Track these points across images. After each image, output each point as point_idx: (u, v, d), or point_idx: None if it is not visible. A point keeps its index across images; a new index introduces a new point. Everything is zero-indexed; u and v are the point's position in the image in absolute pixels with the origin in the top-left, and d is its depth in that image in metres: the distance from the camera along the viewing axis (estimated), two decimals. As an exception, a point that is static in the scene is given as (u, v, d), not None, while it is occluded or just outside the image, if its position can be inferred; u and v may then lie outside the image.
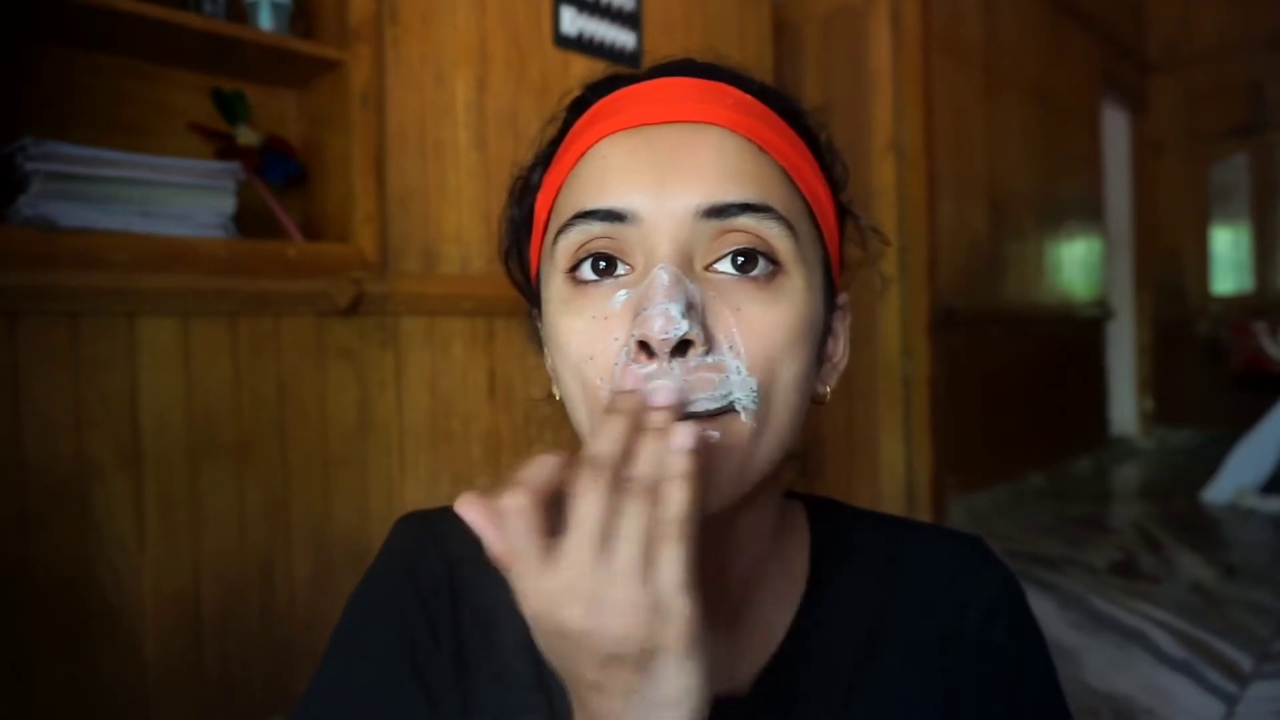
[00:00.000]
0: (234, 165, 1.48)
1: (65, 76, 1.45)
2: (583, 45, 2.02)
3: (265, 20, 1.53)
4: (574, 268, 0.44)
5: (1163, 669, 1.92)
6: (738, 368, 0.41)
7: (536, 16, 1.94)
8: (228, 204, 1.47)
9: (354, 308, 1.60)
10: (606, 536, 0.34)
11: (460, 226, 1.80)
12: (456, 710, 0.49)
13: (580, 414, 0.45)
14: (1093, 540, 3.06)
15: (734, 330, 0.41)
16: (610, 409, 0.37)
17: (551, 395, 0.51)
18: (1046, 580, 2.57)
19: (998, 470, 3.52)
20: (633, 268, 0.43)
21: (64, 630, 1.28)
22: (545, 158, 0.50)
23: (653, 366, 0.40)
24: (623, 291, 0.43)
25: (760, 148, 0.45)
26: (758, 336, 0.42)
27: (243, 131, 1.55)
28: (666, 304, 0.39)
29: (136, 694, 1.34)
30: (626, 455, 0.35)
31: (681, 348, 0.40)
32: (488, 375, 1.83)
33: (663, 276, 0.40)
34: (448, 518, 0.55)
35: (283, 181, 1.64)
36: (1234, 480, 3.56)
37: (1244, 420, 3.83)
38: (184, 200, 1.43)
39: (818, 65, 3.08)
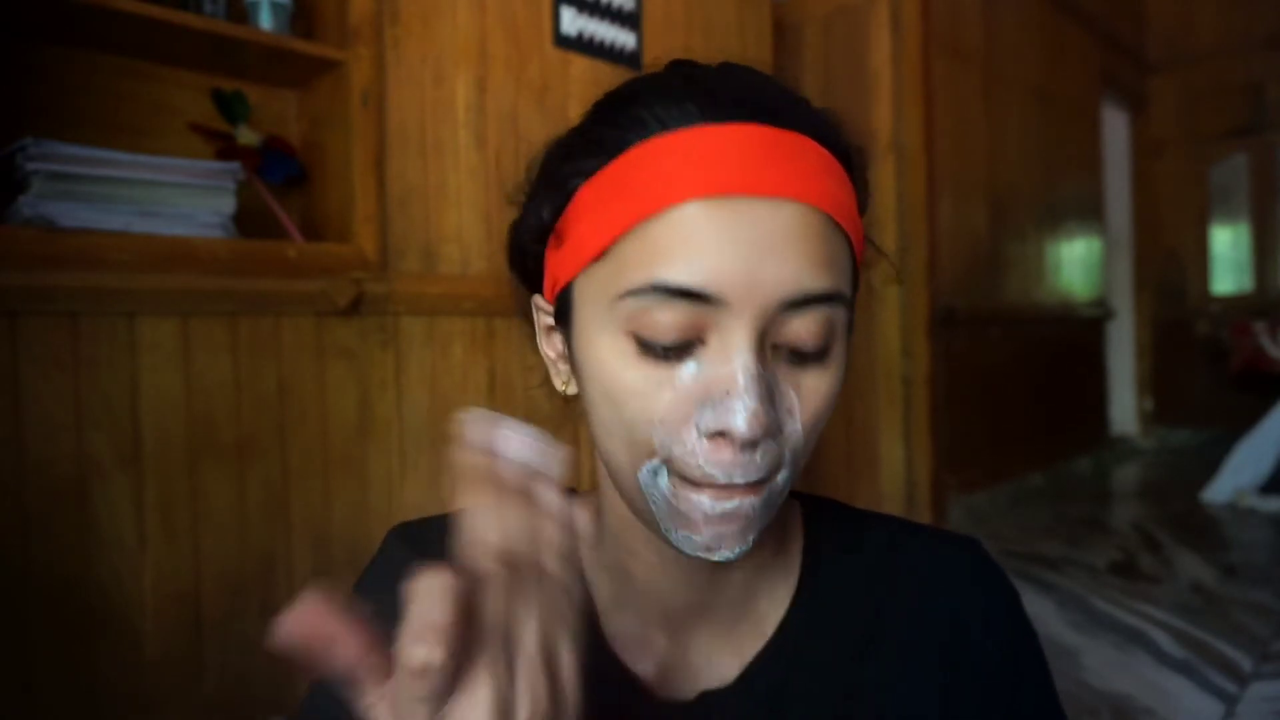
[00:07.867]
0: (234, 165, 1.48)
1: (65, 76, 1.44)
2: (583, 45, 2.02)
3: (265, 20, 1.53)
4: (644, 338, 0.43)
5: (1163, 669, 1.92)
6: (794, 429, 0.43)
7: (536, 16, 1.93)
8: (228, 204, 1.47)
9: (354, 308, 1.60)
10: (509, 642, 0.30)
11: (460, 226, 1.80)
12: None
13: (622, 461, 0.45)
14: (1093, 540, 3.06)
15: (795, 405, 0.44)
16: (465, 479, 0.33)
17: (549, 383, 0.51)
18: (1046, 580, 2.58)
19: (998, 470, 3.52)
20: (705, 343, 0.43)
21: (64, 630, 1.28)
22: (589, 169, 0.45)
23: (728, 454, 0.41)
24: (693, 363, 0.42)
25: (834, 221, 0.44)
26: (811, 410, 0.44)
27: (243, 131, 1.55)
28: (753, 403, 0.40)
29: (136, 694, 1.34)
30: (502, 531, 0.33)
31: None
32: (488, 375, 1.83)
33: (748, 370, 0.41)
34: (433, 527, 0.56)
35: (283, 181, 1.64)
36: (1234, 480, 3.57)
37: (1244, 420, 3.83)
38: (184, 200, 1.43)
39: (818, 65, 3.08)
